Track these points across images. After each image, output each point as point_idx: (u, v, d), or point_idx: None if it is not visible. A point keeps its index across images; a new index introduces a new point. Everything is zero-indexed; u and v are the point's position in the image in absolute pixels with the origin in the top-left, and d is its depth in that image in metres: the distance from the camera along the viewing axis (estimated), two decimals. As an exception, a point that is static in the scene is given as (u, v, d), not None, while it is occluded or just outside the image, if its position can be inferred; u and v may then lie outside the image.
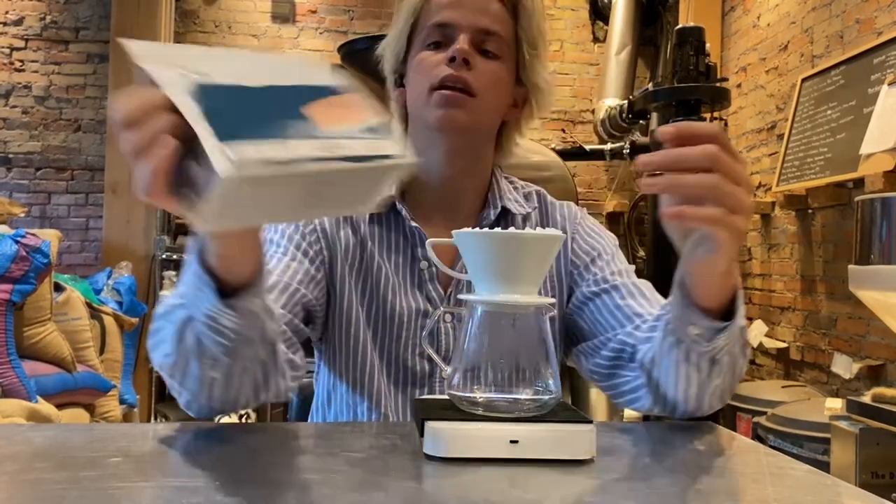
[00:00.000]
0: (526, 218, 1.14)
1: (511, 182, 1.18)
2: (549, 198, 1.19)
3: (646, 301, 1.02)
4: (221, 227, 0.62)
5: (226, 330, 0.73)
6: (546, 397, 0.78)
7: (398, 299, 1.06)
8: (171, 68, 0.57)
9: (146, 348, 0.84)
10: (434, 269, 1.06)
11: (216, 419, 0.90)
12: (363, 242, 1.08)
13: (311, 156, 0.56)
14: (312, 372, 1.17)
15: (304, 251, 1.04)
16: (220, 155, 0.52)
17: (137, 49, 0.58)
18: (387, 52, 1.11)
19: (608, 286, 1.05)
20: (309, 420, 1.19)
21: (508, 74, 1.06)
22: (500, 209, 1.10)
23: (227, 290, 0.73)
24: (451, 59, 1.00)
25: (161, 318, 0.80)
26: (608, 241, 1.14)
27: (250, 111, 0.57)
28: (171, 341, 0.78)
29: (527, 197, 1.17)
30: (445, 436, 0.73)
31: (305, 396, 1.26)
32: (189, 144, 0.56)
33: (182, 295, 0.76)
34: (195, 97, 0.56)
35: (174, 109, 0.56)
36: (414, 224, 1.07)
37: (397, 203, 1.08)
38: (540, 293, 1.07)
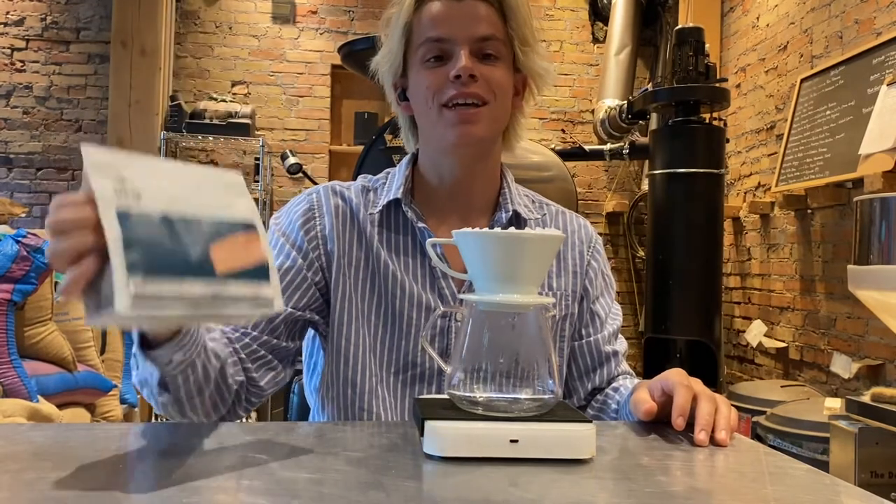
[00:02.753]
0: (537, 223, 1.15)
1: (523, 188, 1.19)
2: (566, 215, 1.21)
3: (618, 367, 1.17)
4: (110, 325, 0.71)
5: (153, 371, 0.86)
6: (546, 397, 0.78)
7: (407, 298, 1.07)
8: (110, 178, 0.64)
9: None
10: (447, 266, 1.07)
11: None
12: (370, 244, 1.09)
13: (198, 295, 0.66)
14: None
15: (301, 261, 1.07)
16: (123, 290, 0.61)
17: (91, 157, 0.65)
18: (382, 70, 1.11)
19: (607, 354, 1.16)
20: (310, 420, 1.19)
21: (509, 71, 1.07)
22: (511, 213, 1.12)
23: (149, 343, 0.83)
24: (457, 77, 1.00)
25: None
26: (612, 279, 1.22)
27: (164, 244, 0.65)
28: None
29: (540, 204, 1.19)
30: (445, 435, 0.73)
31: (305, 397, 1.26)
32: (106, 259, 0.63)
33: None
34: (121, 221, 0.63)
35: (99, 228, 0.62)
36: (421, 225, 1.08)
37: (404, 205, 1.09)
38: (553, 293, 1.11)
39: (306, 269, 1.07)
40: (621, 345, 1.19)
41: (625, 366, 1.19)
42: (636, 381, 1.13)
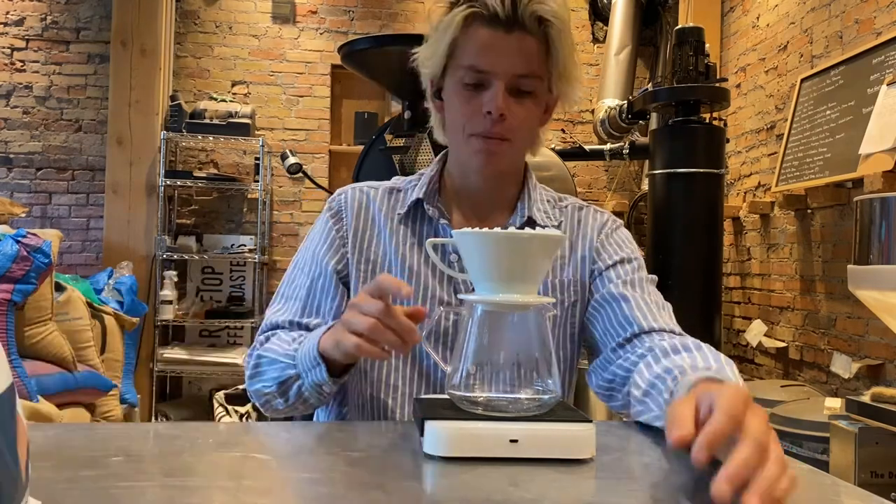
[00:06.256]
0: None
1: (546, 191, 1.20)
2: (584, 210, 1.19)
3: (651, 315, 1.05)
4: None
5: (326, 394, 0.97)
6: (546, 397, 0.78)
7: (430, 296, 1.08)
8: None
9: (245, 373, 1.08)
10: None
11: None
12: (389, 244, 1.11)
13: None
14: None
15: (333, 262, 1.11)
16: None
17: None
18: (423, 68, 1.12)
19: (622, 294, 1.08)
20: (314, 419, 1.20)
21: (541, 101, 1.08)
22: (526, 218, 1.12)
23: (332, 370, 0.93)
24: (489, 113, 1.02)
25: (266, 363, 1.03)
26: (637, 253, 1.17)
27: None
28: (274, 383, 1.01)
29: (560, 209, 1.18)
30: (445, 435, 0.73)
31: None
32: None
33: (294, 359, 0.98)
34: None
35: None
36: (443, 221, 1.10)
37: (426, 204, 1.11)
38: (556, 293, 1.10)
39: (337, 266, 1.11)
40: (656, 304, 1.07)
41: (659, 321, 1.04)
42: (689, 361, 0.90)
